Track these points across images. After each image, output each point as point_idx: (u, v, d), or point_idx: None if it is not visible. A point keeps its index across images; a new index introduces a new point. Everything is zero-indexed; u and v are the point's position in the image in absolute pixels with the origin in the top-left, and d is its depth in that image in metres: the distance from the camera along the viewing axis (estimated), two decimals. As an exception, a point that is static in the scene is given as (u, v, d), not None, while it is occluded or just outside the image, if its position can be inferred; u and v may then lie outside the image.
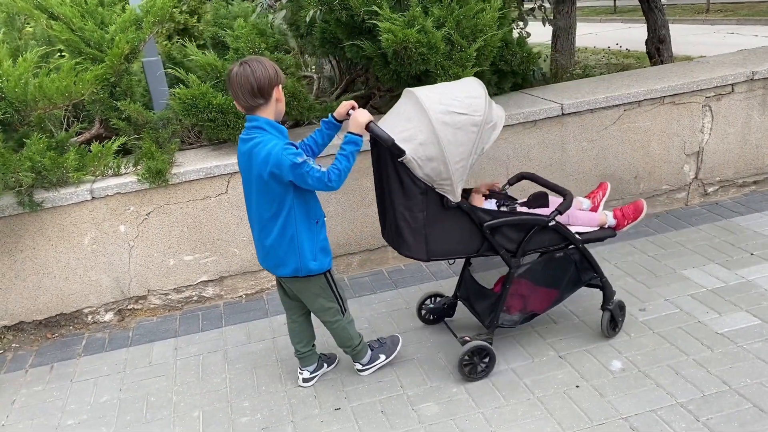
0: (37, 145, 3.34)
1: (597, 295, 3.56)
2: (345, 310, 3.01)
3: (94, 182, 3.71)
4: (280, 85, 2.67)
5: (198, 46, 4.27)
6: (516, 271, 2.98)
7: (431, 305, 3.51)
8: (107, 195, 3.69)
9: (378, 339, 3.27)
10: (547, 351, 3.20)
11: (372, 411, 2.93)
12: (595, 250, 4.07)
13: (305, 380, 3.13)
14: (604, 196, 3.35)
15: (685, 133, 4.51)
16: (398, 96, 2.88)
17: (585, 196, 3.40)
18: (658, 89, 4.34)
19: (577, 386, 2.93)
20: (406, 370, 3.18)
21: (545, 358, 3.15)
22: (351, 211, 4.10)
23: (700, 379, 2.88)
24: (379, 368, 3.18)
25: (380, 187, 2.91)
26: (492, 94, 4.49)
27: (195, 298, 4.05)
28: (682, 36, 12.03)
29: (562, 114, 4.23)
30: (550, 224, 2.93)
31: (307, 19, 3.76)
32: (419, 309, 3.51)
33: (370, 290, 4.01)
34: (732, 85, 4.47)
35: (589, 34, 14.24)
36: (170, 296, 4.00)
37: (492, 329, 3.06)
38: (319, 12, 3.69)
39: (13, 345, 3.80)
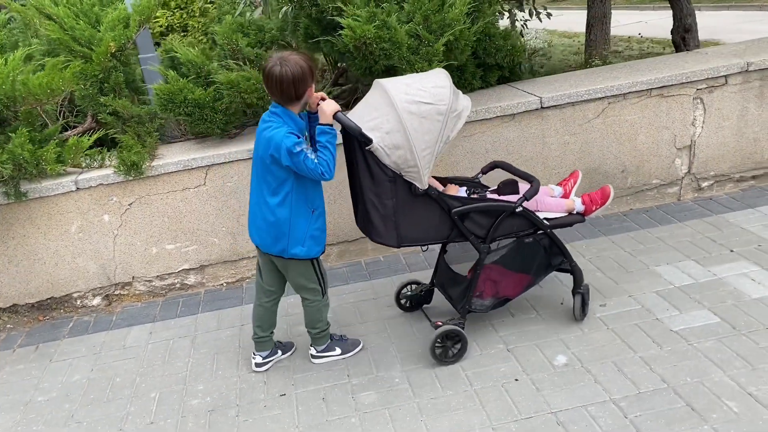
0: (19, 138, 3.55)
1: (557, 288, 3.57)
2: (324, 293, 3.12)
3: (80, 174, 3.92)
4: (313, 85, 2.79)
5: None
6: (485, 257, 3.04)
7: (408, 293, 3.59)
8: (90, 186, 3.89)
9: (342, 335, 3.35)
10: (497, 344, 3.22)
11: (314, 398, 3.02)
12: (572, 245, 4.06)
13: (257, 365, 3.25)
14: (575, 183, 3.38)
15: (676, 126, 4.40)
16: None
17: (557, 184, 3.42)
18: (643, 81, 4.25)
19: (516, 379, 2.95)
20: (357, 359, 3.26)
21: (493, 351, 3.17)
22: (328, 203, 4.16)
23: (640, 376, 2.85)
24: (331, 360, 3.25)
25: (351, 174, 3.02)
26: (477, 88, 4.52)
27: (178, 285, 4.23)
28: (735, 24, 11.58)
29: (542, 107, 4.20)
30: (517, 210, 2.99)
31: (279, 16, 3.86)
32: (397, 296, 3.58)
33: (344, 281, 4.09)
34: (725, 76, 4.33)
35: (639, 23, 13.81)
36: (154, 283, 4.19)
37: (463, 314, 3.12)
38: (290, 9, 3.78)
39: (8, 326, 4.06)
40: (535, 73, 4.87)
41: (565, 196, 3.40)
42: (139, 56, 4.66)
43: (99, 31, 4.16)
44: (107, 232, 4.02)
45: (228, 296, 4.11)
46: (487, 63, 4.52)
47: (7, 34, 4.56)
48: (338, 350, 3.26)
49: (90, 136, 4.00)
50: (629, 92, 4.27)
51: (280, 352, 3.32)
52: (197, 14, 8.59)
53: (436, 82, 2.86)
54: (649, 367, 2.90)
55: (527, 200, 3.03)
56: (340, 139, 2.88)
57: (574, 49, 9.40)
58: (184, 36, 7.47)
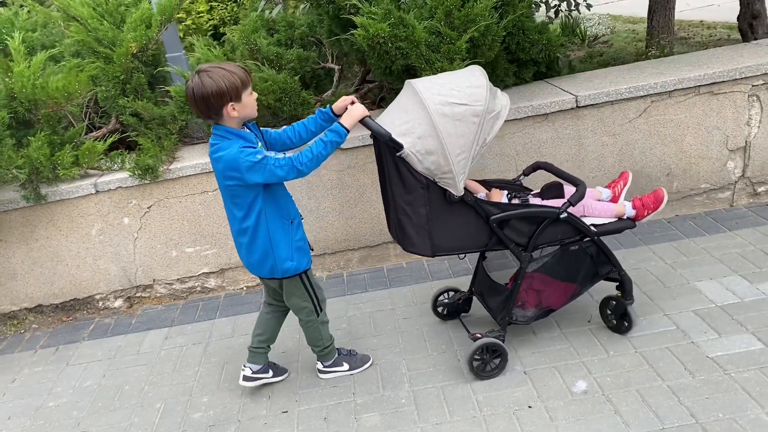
0: (37, 143, 3.56)
1: (586, 304, 3.33)
2: (321, 310, 2.98)
3: (100, 177, 3.91)
4: (244, 93, 2.55)
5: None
6: (527, 266, 2.85)
7: (446, 300, 3.43)
8: (110, 189, 3.87)
9: (350, 350, 3.21)
10: (514, 365, 3.01)
11: (316, 417, 2.89)
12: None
13: (245, 377, 3.07)
14: (625, 185, 3.14)
15: (728, 126, 4.04)
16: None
17: (605, 186, 3.20)
18: (691, 78, 3.90)
19: (529, 406, 2.74)
20: (365, 376, 3.11)
21: (509, 373, 2.97)
22: (349, 207, 4.05)
23: (666, 409, 2.59)
24: (338, 376, 3.11)
25: (383, 182, 2.87)
26: (510, 85, 4.28)
27: (198, 288, 4.18)
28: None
29: (577, 106, 3.92)
30: (561, 216, 2.77)
31: (297, 14, 3.72)
32: (434, 304, 3.43)
33: (363, 288, 3.95)
34: (786, 71, 3.94)
35: (709, 6, 12.99)
36: (174, 286, 4.15)
37: (504, 326, 2.94)
38: (308, 6, 3.64)
39: (33, 326, 4.11)
40: (573, 68, 4.56)
41: (614, 199, 3.16)
42: (166, 55, 4.62)
43: (122, 32, 4.12)
44: (127, 234, 4.00)
45: (247, 301, 4.03)
46: (521, 58, 4.26)
47: (40, 36, 4.59)
48: (346, 366, 3.12)
49: (107, 138, 3.98)
50: (675, 90, 3.93)
51: (271, 372, 3.13)
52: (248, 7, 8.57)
53: (471, 81, 2.67)
54: (677, 399, 2.64)
55: (572, 205, 2.81)
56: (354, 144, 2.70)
57: (639, 36, 8.89)
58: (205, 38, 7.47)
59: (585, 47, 7.24)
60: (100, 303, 4.15)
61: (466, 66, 3.57)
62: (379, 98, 4.41)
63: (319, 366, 3.12)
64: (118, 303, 4.16)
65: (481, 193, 3.03)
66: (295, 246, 2.77)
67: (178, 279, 4.13)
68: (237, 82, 2.52)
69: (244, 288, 4.19)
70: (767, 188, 4.20)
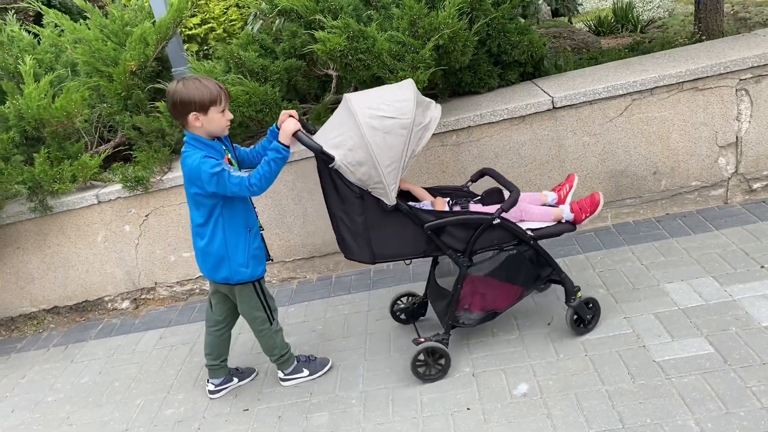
0: (38, 159, 3.88)
1: (552, 306, 3.36)
2: (273, 320, 3.13)
3: (101, 188, 4.21)
4: (212, 108, 2.73)
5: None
6: (465, 271, 2.94)
7: (402, 305, 3.54)
8: (110, 199, 4.17)
9: (309, 356, 3.35)
10: (464, 367, 3.09)
11: (271, 416, 3.06)
12: (588, 255, 3.80)
13: (210, 392, 3.28)
14: (571, 188, 3.18)
15: (716, 122, 3.94)
16: None
17: (552, 189, 3.26)
18: (672, 74, 3.83)
19: (468, 408, 2.82)
20: (324, 378, 3.25)
21: (458, 375, 3.05)
22: (334, 211, 4.19)
23: (598, 413, 2.62)
24: (300, 382, 3.25)
25: (324, 194, 2.99)
26: (495, 87, 4.31)
27: (197, 290, 4.43)
28: None
29: (554, 108, 3.92)
30: (494, 222, 2.85)
31: (274, 29, 3.88)
32: (392, 308, 3.54)
33: (346, 290, 4.09)
34: (776, 64, 3.80)
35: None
36: (175, 288, 4.42)
37: (447, 329, 3.04)
38: (283, 21, 3.80)
39: (50, 326, 4.47)
40: (559, 68, 4.51)
41: (560, 201, 3.20)
42: (172, 70, 4.88)
43: (124, 51, 4.39)
44: (129, 241, 4.29)
45: (239, 303, 4.25)
46: (505, 60, 4.28)
47: (52, 57, 4.93)
48: (306, 372, 3.25)
49: (111, 151, 4.27)
50: (656, 87, 3.87)
51: (236, 379, 3.31)
52: None
53: (400, 95, 2.78)
54: (611, 403, 2.66)
55: (505, 211, 2.88)
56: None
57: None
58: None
59: (637, 33, 7.05)
60: (109, 304, 4.47)
61: (430, 74, 3.66)
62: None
63: (280, 374, 3.26)
64: (125, 304, 4.47)
65: (427, 201, 3.12)
66: (252, 254, 2.93)
67: (177, 282, 4.39)
68: (205, 96, 2.72)
69: (239, 290, 4.40)
70: (763, 184, 4.06)
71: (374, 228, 2.84)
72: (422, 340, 3.00)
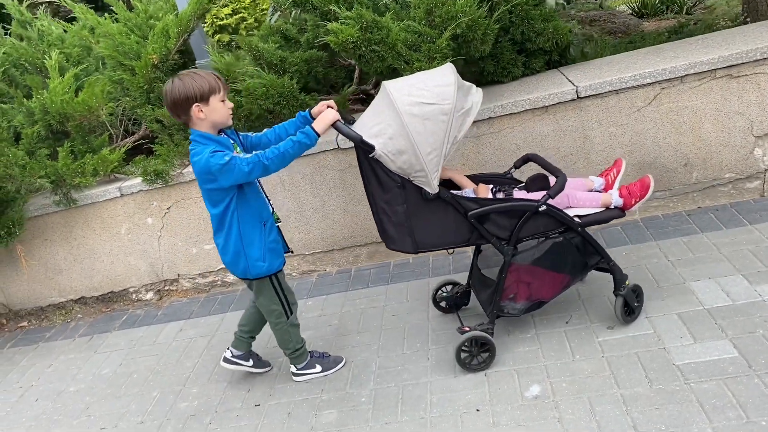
0: (62, 152, 3.94)
1: (570, 304, 3.25)
2: (291, 313, 3.11)
3: (124, 181, 4.26)
4: (213, 98, 2.71)
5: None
6: (510, 259, 2.89)
7: (445, 294, 3.49)
8: (132, 192, 4.21)
9: (323, 352, 3.32)
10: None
11: (281, 412, 3.05)
12: (612, 250, 3.65)
13: (225, 359, 3.28)
14: (618, 173, 3.08)
15: (752, 111, 3.74)
16: None
17: (599, 175, 3.16)
18: (704, 62, 3.65)
19: (477, 410, 2.75)
20: (337, 374, 3.22)
21: (469, 374, 2.98)
22: (353, 205, 4.15)
23: (611, 419, 2.52)
24: (312, 378, 3.23)
25: (365, 185, 2.97)
26: (519, 76, 4.19)
27: (219, 282, 4.46)
28: None
29: (578, 97, 3.78)
30: (540, 209, 2.79)
31: (290, 19, 3.84)
32: (434, 297, 3.50)
33: (365, 284, 4.05)
34: (817, 48, 3.58)
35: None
36: (197, 280, 4.46)
37: (492, 319, 2.99)
38: (298, 12, 3.75)
39: (78, 315, 4.57)
40: (585, 55, 4.35)
41: (608, 187, 3.10)
42: (195, 63, 4.90)
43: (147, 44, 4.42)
44: (152, 233, 4.33)
45: (259, 295, 4.25)
46: (529, 48, 4.15)
47: (85, 49, 5.00)
48: (319, 368, 3.23)
49: (121, 148, 4.31)
50: (686, 75, 3.69)
51: (251, 361, 3.31)
52: None
53: (440, 80, 2.71)
54: (625, 408, 2.56)
55: (551, 198, 2.80)
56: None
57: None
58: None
59: (682, 15, 6.78)
60: (134, 295, 4.54)
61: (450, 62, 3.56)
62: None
63: (293, 369, 3.24)
64: (150, 295, 4.52)
65: (469, 188, 3.05)
66: (268, 247, 2.91)
67: (199, 274, 4.42)
68: (204, 86, 2.70)
69: (260, 282, 4.41)
70: (803, 176, 3.85)
71: (416, 217, 2.79)
72: (467, 329, 2.95)
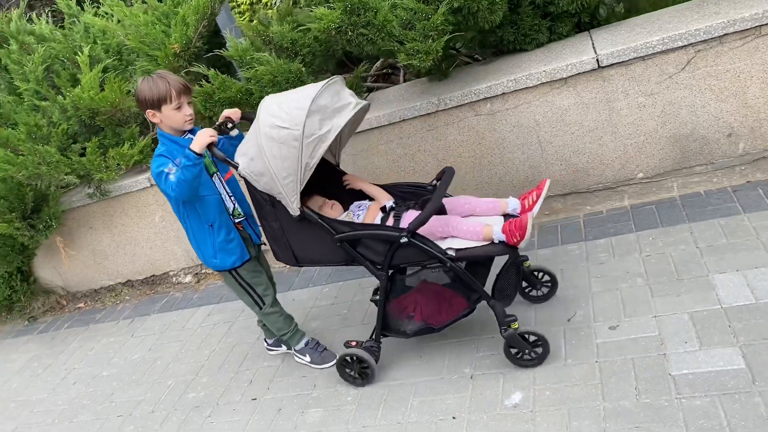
0: (90, 147, 4.11)
1: (577, 300, 3.03)
2: (263, 304, 3.15)
3: (153, 170, 4.39)
4: (164, 106, 2.74)
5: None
6: (385, 284, 2.78)
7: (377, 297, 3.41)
8: (160, 182, 4.34)
9: (318, 344, 3.29)
10: (464, 367, 2.89)
11: (273, 408, 3.08)
12: (639, 234, 3.34)
13: (267, 348, 3.50)
14: (539, 197, 2.70)
15: (808, 70, 3.25)
16: None
17: (518, 197, 2.82)
18: (746, 18, 3.19)
19: (453, 417, 2.64)
20: (331, 370, 3.19)
21: (456, 376, 2.86)
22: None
23: (585, 436, 2.34)
24: (302, 364, 3.28)
25: None
26: (544, 42, 3.88)
27: (250, 266, 4.53)
28: None
29: (599, 67, 3.43)
30: (401, 240, 2.60)
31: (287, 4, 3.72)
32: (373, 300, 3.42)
33: (362, 274, 3.96)
34: None
35: None
36: (229, 264, 4.55)
37: (377, 338, 2.94)
38: (296, -3, 3.63)
39: (126, 298, 4.83)
40: (616, 15, 3.90)
41: (523, 211, 2.76)
42: (225, 47, 4.90)
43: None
44: (183, 220, 4.45)
45: (284, 280, 4.27)
46: (553, 12, 3.80)
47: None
48: (308, 358, 3.24)
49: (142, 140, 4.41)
50: (725, 34, 3.24)
51: (284, 346, 3.39)
52: None
53: (299, 102, 2.57)
54: (603, 425, 2.36)
55: (412, 231, 2.59)
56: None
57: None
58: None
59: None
60: (174, 279, 4.72)
61: (445, 41, 3.33)
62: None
63: (291, 349, 3.31)
64: (188, 278, 4.69)
65: (385, 200, 2.94)
66: (218, 247, 2.96)
67: (230, 258, 4.52)
68: (155, 95, 2.74)
69: (287, 268, 4.44)
70: None
71: (292, 233, 2.77)
72: (353, 344, 2.94)
